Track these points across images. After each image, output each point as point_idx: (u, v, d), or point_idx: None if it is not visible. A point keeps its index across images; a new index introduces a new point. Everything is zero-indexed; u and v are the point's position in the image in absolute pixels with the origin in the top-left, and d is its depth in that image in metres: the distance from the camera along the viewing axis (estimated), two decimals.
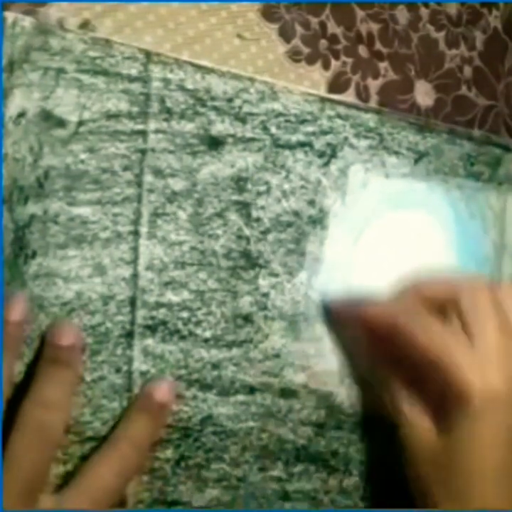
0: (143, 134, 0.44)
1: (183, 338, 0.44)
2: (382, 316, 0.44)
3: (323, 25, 0.52)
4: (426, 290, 0.45)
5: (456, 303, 0.44)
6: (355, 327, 0.46)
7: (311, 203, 0.48)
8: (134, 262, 0.43)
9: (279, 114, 0.47)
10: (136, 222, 0.43)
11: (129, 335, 0.43)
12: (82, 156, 0.42)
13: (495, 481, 0.42)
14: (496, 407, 0.41)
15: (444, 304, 0.44)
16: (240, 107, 0.46)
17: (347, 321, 0.46)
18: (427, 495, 0.43)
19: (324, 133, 0.48)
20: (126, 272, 0.43)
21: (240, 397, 0.45)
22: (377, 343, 0.45)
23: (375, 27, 0.55)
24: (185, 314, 0.44)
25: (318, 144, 0.48)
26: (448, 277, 0.46)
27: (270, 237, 0.46)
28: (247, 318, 0.45)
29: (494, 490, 0.42)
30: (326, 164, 0.48)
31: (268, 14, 0.51)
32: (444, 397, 0.42)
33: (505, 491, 0.42)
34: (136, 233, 0.43)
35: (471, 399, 0.41)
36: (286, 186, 0.47)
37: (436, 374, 0.42)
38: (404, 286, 0.46)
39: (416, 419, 0.43)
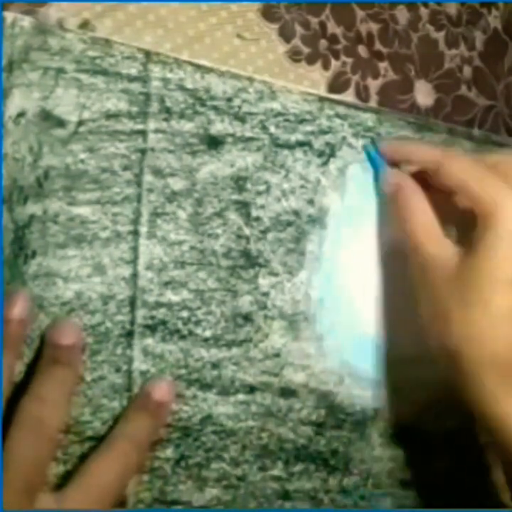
0: (142, 133, 0.44)
1: (182, 337, 0.44)
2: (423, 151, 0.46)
3: (323, 25, 0.52)
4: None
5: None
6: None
7: (311, 202, 0.48)
8: (134, 261, 0.43)
9: (278, 114, 0.47)
10: (135, 221, 0.43)
11: (129, 334, 0.43)
12: (82, 156, 0.42)
13: None
14: None
15: None
16: (239, 107, 0.46)
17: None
18: (446, 315, 0.43)
19: (323, 132, 0.48)
20: (125, 271, 0.43)
21: (240, 397, 0.45)
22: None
23: (375, 27, 0.55)
24: (185, 314, 0.44)
25: (317, 143, 0.48)
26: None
27: (270, 236, 0.46)
28: (247, 318, 0.45)
29: None
30: (325, 163, 0.48)
31: (268, 14, 0.51)
32: (468, 220, 0.43)
33: None
34: (135, 233, 0.43)
35: (497, 217, 0.41)
36: (286, 185, 0.47)
37: (464, 197, 0.44)
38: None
39: (437, 242, 0.44)
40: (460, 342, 0.42)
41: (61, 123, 0.42)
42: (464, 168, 0.44)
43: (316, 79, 0.52)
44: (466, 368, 0.42)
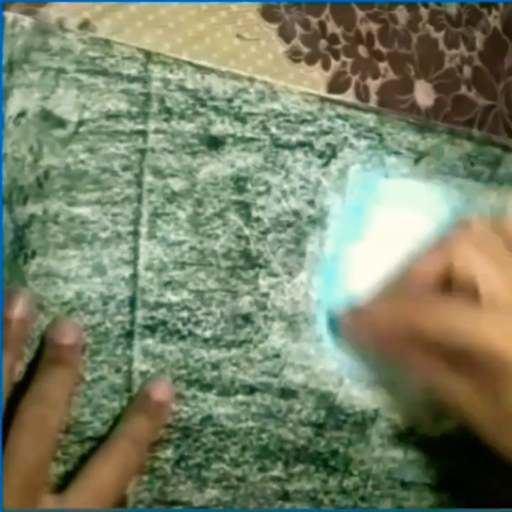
0: (143, 134, 0.44)
1: (182, 338, 0.44)
2: (390, 317, 0.44)
3: (322, 25, 0.52)
4: (421, 268, 0.45)
5: (452, 268, 0.43)
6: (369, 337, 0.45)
7: (311, 203, 0.47)
8: (134, 262, 0.43)
9: (279, 114, 0.47)
10: (135, 222, 0.43)
11: (129, 335, 0.43)
12: (82, 156, 0.42)
13: None
14: None
15: (443, 275, 0.44)
16: (240, 107, 0.46)
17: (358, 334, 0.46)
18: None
19: (324, 133, 0.48)
20: (125, 271, 0.43)
21: (240, 397, 0.45)
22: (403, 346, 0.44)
23: (374, 27, 0.55)
24: (184, 314, 0.44)
25: (318, 144, 0.48)
26: (432, 245, 0.45)
27: (270, 237, 0.46)
28: (247, 318, 0.45)
29: None
30: (326, 164, 0.48)
31: (268, 14, 0.51)
32: (482, 373, 0.41)
33: None
34: (135, 233, 0.43)
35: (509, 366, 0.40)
36: (286, 186, 0.47)
37: (469, 357, 0.41)
38: (397, 271, 0.46)
39: (465, 401, 0.42)
40: None
41: (61, 123, 0.42)
42: (435, 318, 0.42)
43: (315, 79, 0.52)
44: None
